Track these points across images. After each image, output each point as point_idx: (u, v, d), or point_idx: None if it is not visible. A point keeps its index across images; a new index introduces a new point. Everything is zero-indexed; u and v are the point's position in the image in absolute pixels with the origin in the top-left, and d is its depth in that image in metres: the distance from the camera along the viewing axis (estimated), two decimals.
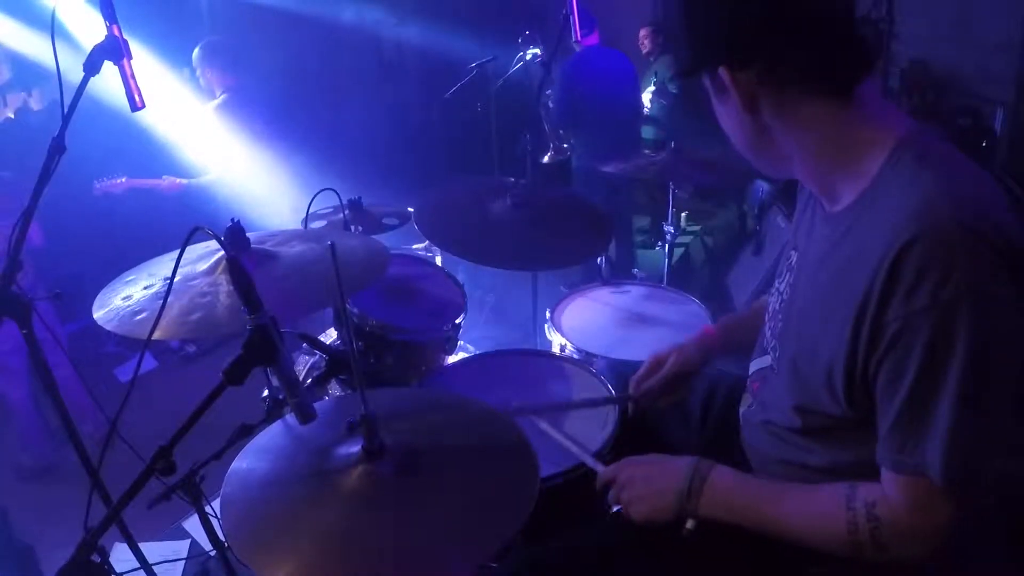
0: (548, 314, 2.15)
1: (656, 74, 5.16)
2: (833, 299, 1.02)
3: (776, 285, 1.27)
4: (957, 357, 0.90)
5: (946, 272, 0.88)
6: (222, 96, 3.69)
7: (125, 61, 1.43)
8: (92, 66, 1.39)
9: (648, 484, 1.18)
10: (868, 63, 1.02)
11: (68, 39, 2.16)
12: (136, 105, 1.48)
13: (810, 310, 1.10)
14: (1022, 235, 0.94)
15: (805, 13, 0.98)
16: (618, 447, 1.49)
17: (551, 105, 4.32)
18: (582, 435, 1.48)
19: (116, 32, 1.41)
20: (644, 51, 5.28)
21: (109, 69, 1.42)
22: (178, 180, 3.79)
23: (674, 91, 5.12)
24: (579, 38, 2.69)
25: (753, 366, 1.31)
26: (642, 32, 5.30)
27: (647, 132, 4.98)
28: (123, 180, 3.69)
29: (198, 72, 3.75)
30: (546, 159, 4.13)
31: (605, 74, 4.36)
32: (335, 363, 1.51)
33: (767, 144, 1.08)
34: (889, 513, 0.99)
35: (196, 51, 3.70)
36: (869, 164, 1.01)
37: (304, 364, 2.18)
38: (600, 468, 1.30)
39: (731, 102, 1.05)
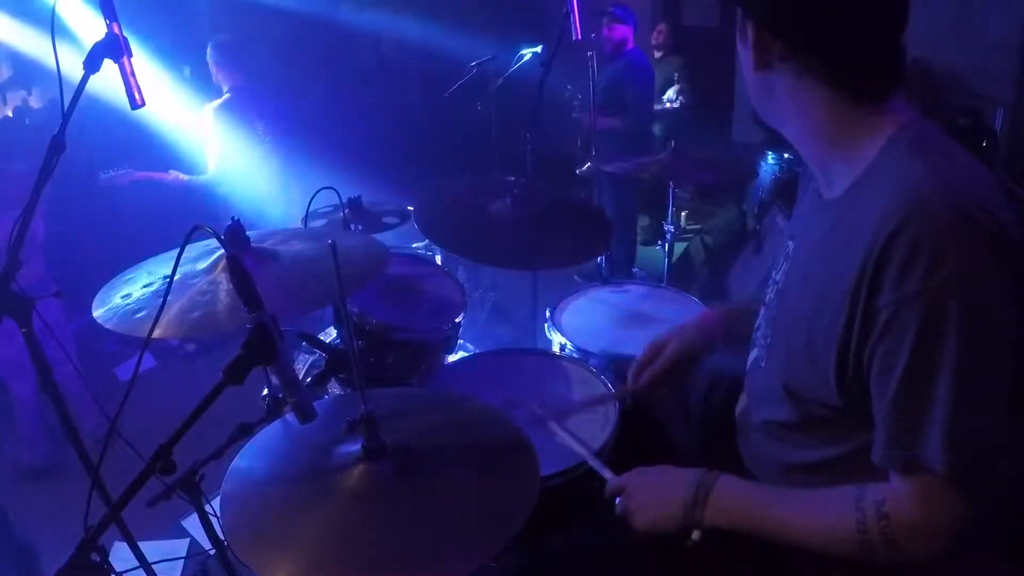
0: (548, 313, 2.15)
1: (677, 72, 5.33)
2: (826, 286, 1.01)
3: (772, 275, 1.26)
4: (950, 343, 0.88)
5: (936, 257, 0.88)
6: (226, 95, 3.70)
7: (125, 59, 1.43)
8: (92, 64, 1.39)
9: (654, 494, 1.18)
10: (899, 81, 1.02)
11: (68, 37, 2.16)
12: (136, 103, 1.49)
13: (803, 298, 1.09)
14: (1018, 225, 0.93)
15: (854, 19, 0.97)
16: (619, 447, 1.49)
17: (629, 103, 4.31)
18: (583, 435, 1.48)
19: (116, 30, 1.41)
20: (655, 43, 5.42)
21: (109, 67, 1.42)
22: (183, 176, 3.82)
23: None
24: (579, 37, 2.68)
25: (749, 360, 1.31)
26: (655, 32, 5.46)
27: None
28: (128, 171, 3.72)
29: (212, 69, 3.78)
30: (585, 169, 4.08)
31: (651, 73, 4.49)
32: (335, 362, 1.51)
33: (769, 98, 1.08)
34: (898, 509, 0.97)
35: (209, 48, 3.75)
36: (866, 151, 1.01)
37: (304, 363, 2.17)
38: (609, 476, 1.29)
39: (747, 51, 1.05)
